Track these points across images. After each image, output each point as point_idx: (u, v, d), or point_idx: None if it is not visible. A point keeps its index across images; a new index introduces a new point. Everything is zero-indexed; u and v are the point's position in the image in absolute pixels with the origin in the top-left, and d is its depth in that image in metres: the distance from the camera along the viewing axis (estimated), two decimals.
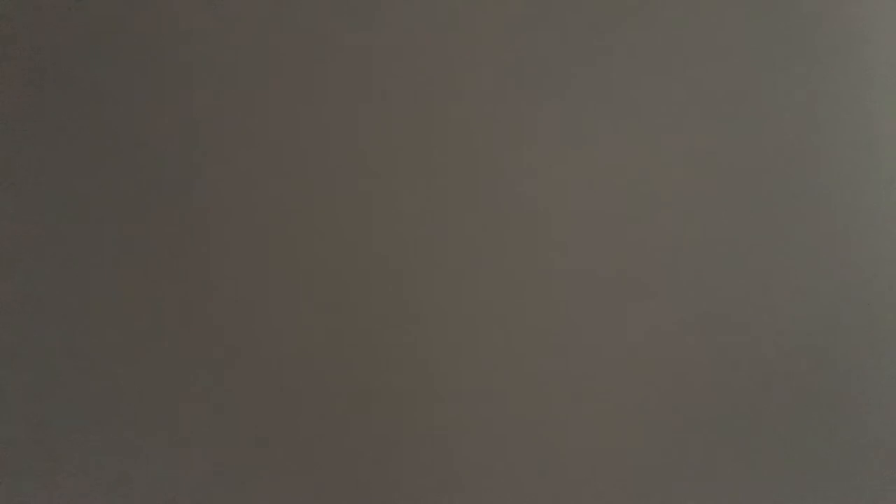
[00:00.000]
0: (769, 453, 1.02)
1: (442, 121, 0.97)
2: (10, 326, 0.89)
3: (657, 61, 1.02)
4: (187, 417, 0.91)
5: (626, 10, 1.02)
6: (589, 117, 1.00)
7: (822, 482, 1.04)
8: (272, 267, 0.93)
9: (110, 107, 0.92)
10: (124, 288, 0.91)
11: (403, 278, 0.96)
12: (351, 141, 0.96)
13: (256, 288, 0.93)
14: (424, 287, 0.96)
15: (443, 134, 0.97)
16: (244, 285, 0.93)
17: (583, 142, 1.00)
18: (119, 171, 0.91)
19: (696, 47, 1.03)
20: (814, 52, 1.06)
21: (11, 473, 0.88)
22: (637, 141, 1.01)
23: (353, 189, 0.95)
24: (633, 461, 1.00)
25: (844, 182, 1.06)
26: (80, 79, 0.91)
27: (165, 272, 0.92)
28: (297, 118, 0.95)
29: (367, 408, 0.94)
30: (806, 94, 1.05)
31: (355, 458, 0.94)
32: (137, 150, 0.92)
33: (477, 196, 0.98)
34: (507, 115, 0.99)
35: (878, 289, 1.06)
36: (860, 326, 1.05)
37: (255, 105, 0.94)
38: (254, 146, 0.94)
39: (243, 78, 0.94)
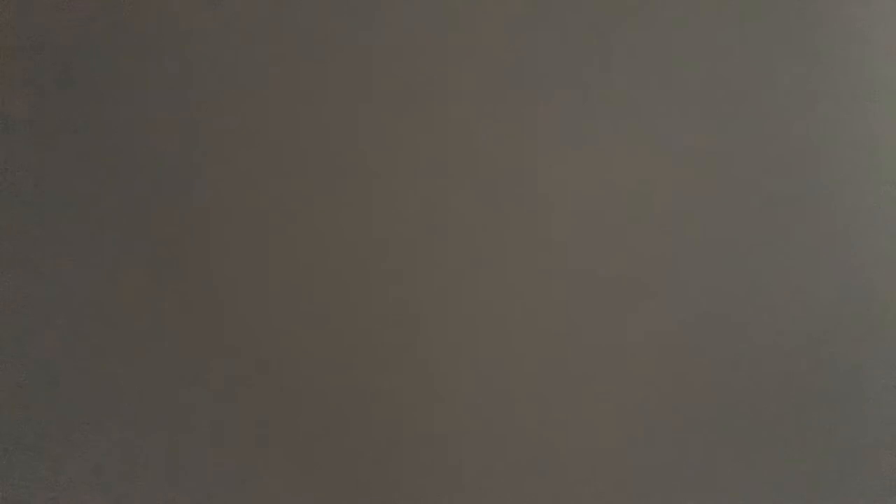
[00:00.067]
0: (769, 453, 1.02)
1: (442, 121, 0.97)
2: (10, 326, 0.89)
3: (657, 61, 1.02)
4: (187, 417, 0.91)
5: (626, 10, 1.02)
6: (589, 117, 1.00)
7: (822, 482, 1.04)
8: (272, 267, 0.93)
9: (110, 107, 0.92)
10: (124, 288, 0.91)
11: (403, 278, 0.96)
12: (351, 141, 0.96)
13: (256, 288, 0.93)
14: (424, 287, 0.96)
15: (443, 134, 0.97)
16: (244, 285, 0.93)
17: (583, 142, 1.00)
18: (119, 171, 0.91)
19: (696, 47, 1.03)
20: (814, 52, 1.06)
21: (11, 473, 0.88)
22: (637, 141, 1.01)
23: (353, 189, 0.95)
24: (633, 461, 1.00)
25: (844, 182, 1.06)
26: (80, 79, 0.91)
27: (166, 272, 0.92)
28: (297, 118, 0.95)
29: (367, 408, 0.94)
30: (806, 94, 1.05)
31: (355, 458, 0.94)
32: (137, 150, 0.92)
33: (477, 196, 0.98)
34: (507, 115, 0.99)
35: (878, 289, 1.06)
36: (860, 326, 1.05)
37: (255, 105, 0.94)
38: (254, 146, 0.94)
39: (243, 78, 0.94)
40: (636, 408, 1.00)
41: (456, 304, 0.97)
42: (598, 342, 0.99)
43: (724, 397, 1.02)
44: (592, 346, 0.99)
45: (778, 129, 1.05)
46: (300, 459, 0.93)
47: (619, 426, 0.99)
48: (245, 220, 0.93)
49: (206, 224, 0.92)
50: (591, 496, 0.99)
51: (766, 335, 1.03)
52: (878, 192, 1.07)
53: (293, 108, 0.95)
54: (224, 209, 0.93)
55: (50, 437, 0.89)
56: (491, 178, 0.98)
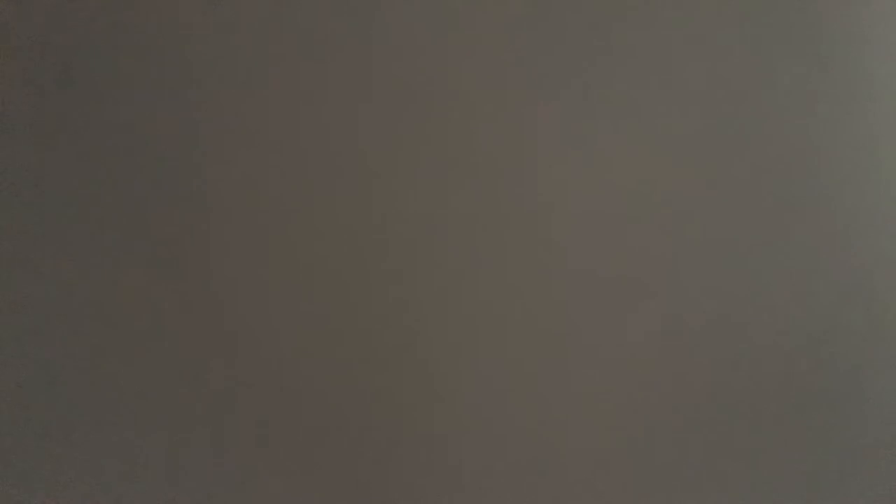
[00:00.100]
0: (769, 453, 1.02)
1: (442, 121, 0.97)
2: (10, 326, 0.89)
3: (657, 61, 1.02)
4: (187, 417, 0.91)
5: (627, 9, 1.02)
6: (589, 117, 1.00)
7: (822, 482, 1.04)
8: (272, 267, 0.93)
9: (110, 107, 0.92)
10: (124, 288, 0.91)
11: (403, 278, 0.96)
12: (351, 141, 0.96)
13: (256, 288, 0.93)
14: (424, 287, 0.96)
15: (443, 134, 0.97)
16: (244, 285, 0.93)
17: (583, 142, 1.00)
18: (119, 171, 0.92)
19: (696, 47, 1.03)
20: (814, 52, 1.06)
21: (11, 474, 0.89)
22: (637, 141, 1.01)
23: (353, 189, 0.95)
24: (633, 461, 1.00)
25: (844, 182, 1.06)
26: (80, 79, 0.91)
27: (166, 272, 0.92)
28: (297, 118, 0.95)
29: (367, 408, 0.94)
30: (806, 94, 1.05)
31: (355, 458, 0.94)
32: (137, 150, 0.92)
33: (477, 196, 0.98)
34: (507, 115, 0.99)
35: (878, 289, 1.06)
36: (860, 326, 1.05)
37: (255, 105, 0.94)
38: (254, 146, 0.94)
39: (243, 78, 0.94)
40: (636, 408, 1.00)
41: (456, 304, 0.97)
42: (597, 342, 0.99)
43: (724, 397, 1.02)
44: (592, 346, 0.99)
45: (778, 129, 1.05)
46: (300, 459, 0.93)
47: (619, 426, 1.00)
48: (245, 220, 0.93)
49: (206, 224, 0.92)
50: (591, 496, 0.99)
51: (766, 335, 1.03)
52: (878, 192, 1.07)
53: (293, 108, 0.95)
54: (224, 209, 0.93)
55: (50, 438, 0.89)
56: (491, 178, 0.98)
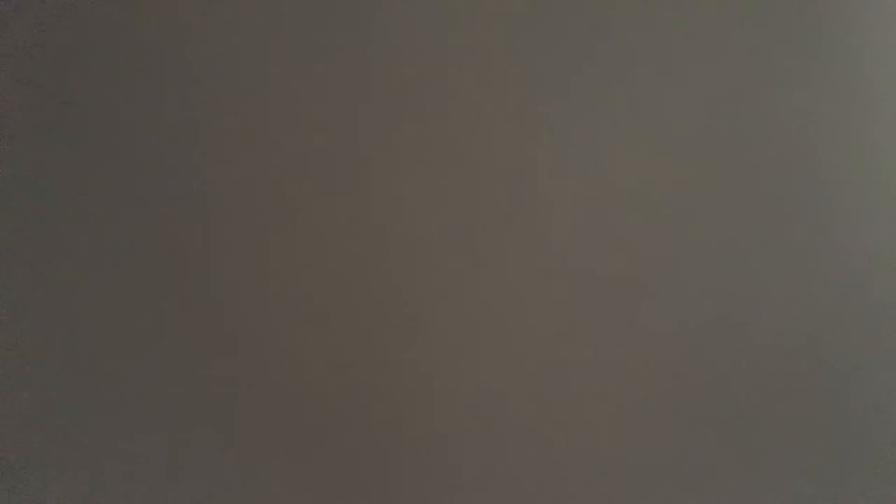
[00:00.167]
0: (769, 453, 1.02)
1: (442, 121, 0.97)
2: (10, 326, 0.89)
3: (657, 61, 1.02)
4: (187, 417, 0.91)
5: (627, 9, 1.02)
6: (589, 117, 1.00)
7: (822, 482, 1.04)
8: (272, 267, 0.93)
9: (110, 107, 0.92)
10: (124, 288, 0.91)
11: (403, 278, 0.96)
12: (351, 141, 0.96)
13: (256, 288, 0.93)
14: (424, 287, 0.96)
15: (443, 134, 0.97)
16: (244, 285, 0.93)
17: (583, 142, 1.00)
18: (119, 171, 0.91)
19: (696, 47, 1.03)
20: (814, 52, 1.06)
21: (11, 474, 0.88)
22: (637, 141, 1.01)
23: (353, 189, 0.95)
24: (634, 461, 1.00)
25: (844, 182, 1.06)
26: (80, 79, 0.91)
27: (165, 272, 0.92)
28: (297, 118, 0.95)
29: (367, 408, 0.94)
30: (806, 94, 1.05)
31: (355, 458, 0.94)
32: (137, 150, 0.92)
33: (477, 196, 0.98)
34: (508, 114, 0.99)
35: (878, 289, 1.06)
36: (860, 326, 1.05)
37: (255, 105, 0.94)
38: (254, 146, 0.94)
39: (243, 78, 0.94)
40: (636, 408, 1.00)
41: (456, 304, 0.97)
42: (598, 342, 0.99)
43: (724, 397, 1.02)
44: (592, 346, 0.99)
45: (778, 129, 1.05)
46: (300, 459, 0.93)
47: (619, 426, 0.99)
48: (245, 220, 0.93)
49: (206, 224, 0.92)
50: (591, 496, 0.99)
51: (766, 335, 1.03)
52: (878, 192, 1.07)
53: (293, 108, 0.95)
54: (224, 209, 0.93)
55: (50, 437, 0.89)
56: (491, 178, 0.98)
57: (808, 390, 1.04)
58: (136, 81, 0.92)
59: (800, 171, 1.05)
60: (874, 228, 1.06)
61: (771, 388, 1.03)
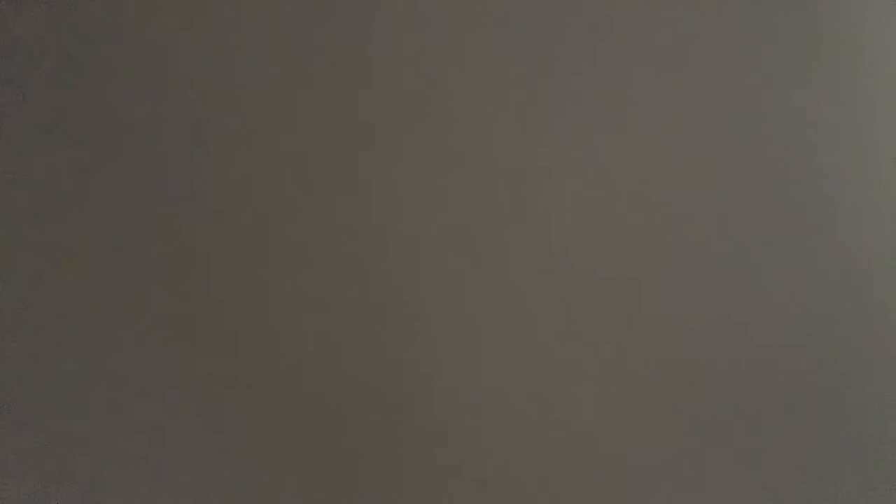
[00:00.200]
0: (769, 453, 1.02)
1: (442, 121, 0.97)
2: (9, 326, 0.89)
3: (657, 61, 1.02)
4: (187, 418, 0.91)
5: (627, 9, 1.02)
6: (589, 117, 1.00)
7: (822, 482, 1.04)
8: (272, 267, 0.93)
9: (110, 107, 0.92)
10: (124, 288, 0.91)
11: (403, 278, 0.96)
12: (351, 141, 0.96)
13: (256, 288, 0.93)
14: (424, 287, 0.96)
15: (443, 134, 0.97)
16: (244, 285, 0.93)
17: (583, 142, 1.00)
18: (119, 171, 0.91)
19: (696, 47, 1.03)
20: (814, 52, 1.06)
21: (10, 474, 0.88)
22: (637, 141, 1.01)
23: (353, 189, 0.95)
24: (634, 461, 1.00)
25: (844, 182, 1.06)
26: (80, 79, 0.91)
27: (165, 272, 0.92)
28: (298, 118, 0.95)
29: (367, 408, 0.94)
30: (806, 95, 1.05)
31: (355, 457, 0.94)
32: (137, 150, 0.92)
33: (477, 196, 0.98)
34: (507, 115, 0.99)
35: (878, 289, 1.06)
36: (860, 326, 1.05)
37: (255, 105, 0.94)
38: (254, 146, 0.94)
39: (243, 78, 0.94)
40: (636, 408, 1.00)
41: (456, 304, 0.97)
42: (597, 342, 0.99)
43: (724, 397, 1.02)
44: (592, 346, 0.99)
45: (778, 129, 1.05)
46: (300, 459, 0.93)
47: (619, 426, 0.99)
48: (245, 220, 0.93)
49: (206, 223, 0.92)
50: (591, 496, 0.99)
51: (766, 335, 1.03)
52: (878, 192, 1.07)
53: (293, 108, 0.95)
54: (224, 209, 0.93)
55: (50, 437, 0.89)
56: (491, 178, 0.98)
57: (808, 390, 1.04)
58: (136, 81, 0.92)
59: (800, 171, 1.05)
60: (874, 228, 1.06)
61: (771, 387, 1.03)
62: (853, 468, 1.04)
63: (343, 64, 0.96)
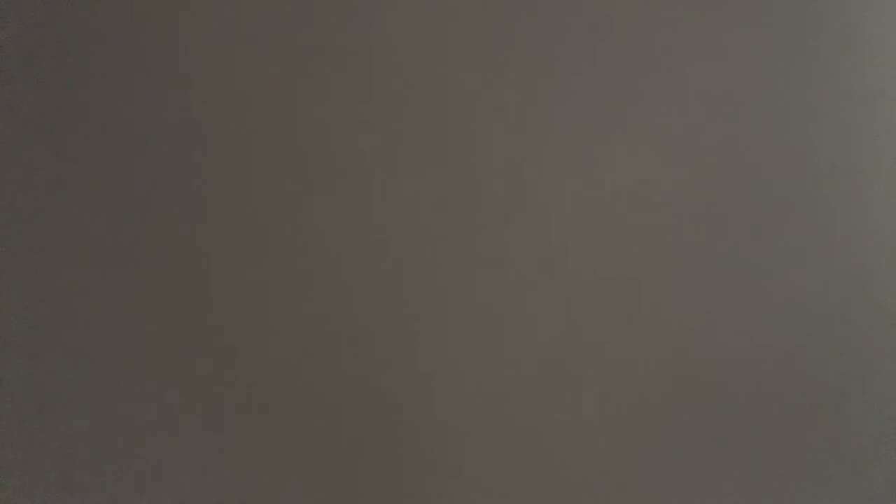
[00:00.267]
0: (769, 453, 1.02)
1: (442, 121, 0.97)
2: (9, 326, 0.89)
3: (659, 61, 1.02)
4: (187, 418, 0.91)
5: (627, 9, 1.02)
6: (589, 117, 1.00)
7: (821, 482, 1.04)
8: (272, 267, 0.93)
9: (111, 107, 0.92)
10: (124, 288, 0.91)
11: (403, 278, 0.96)
12: (351, 141, 0.96)
13: (256, 288, 0.93)
14: (424, 287, 0.96)
15: (443, 134, 0.97)
16: (243, 285, 0.93)
17: (583, 141, 1.00)
18: (119, 170, 0.91)
19: (696, 48, 1.03)
20: (814, 52, 1.06)
21: (10, 475, 0.88)
22: (637, 141, 1.01)
23: (353, 189, 0.95)
24: (634, 462, 1.00)
25: (844, 182, 1.06)
26: (80, 79, 0.91)
27: (165, 272, 0.92)
28: (298, 118, 0.95)
29: (367, 408, 0.94)
30: (807, 95, 1.05)
31: (355, 457, 0.94)
32: (137, 149, 0.92)
33: (477, 196, 0.98)
34: (507, 115, 0.99)
35: (877, 289, 1.06)
36: (859, 326, 1.05)
37: (255, 105, 0.94)
38: (254, 146, 0.94)
39: (243, 78, 0.94)
40: (636, 408, 1.00)
41: (456, 305, 0.97)
42: (597, 342, 0.99)
43: (723, 397, 1.02)
44: (592, 346, 0.99)
45: (778, 129, 1.05)
46: (300, 459, 0.93)
47: (619, 426, 0.99)
48: (245, 220, 0.93)
49: (206, 223, 0.92)
50: (591, 496, 0.99)
51: (766, 335, 1.03)
52: (878, 191, 1.07)
53: (293, 108, 0.95)
54: (224, 209, 0.93)
55: (50, 438, 0.89)
56: (491, 178, 0.98)
57: (807, 390, 1.04)
58: (136, 81, 0.92)
59: (800, 171, 1.05)
60: (874, 228, 1.06)
61: (770, 387, 1.03)
62: (853, 468, 1.04)
63: (343, 64, 0.96)
